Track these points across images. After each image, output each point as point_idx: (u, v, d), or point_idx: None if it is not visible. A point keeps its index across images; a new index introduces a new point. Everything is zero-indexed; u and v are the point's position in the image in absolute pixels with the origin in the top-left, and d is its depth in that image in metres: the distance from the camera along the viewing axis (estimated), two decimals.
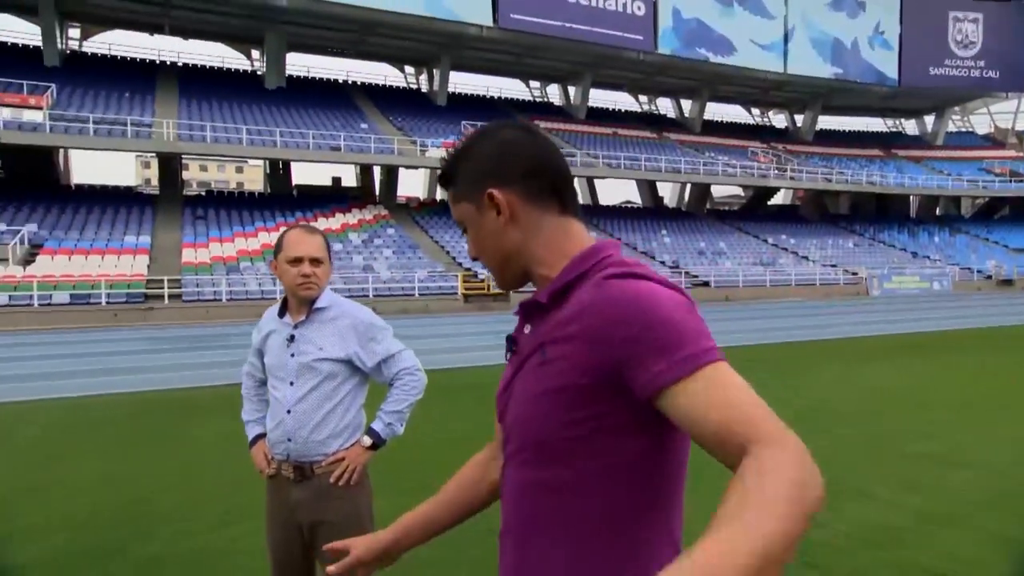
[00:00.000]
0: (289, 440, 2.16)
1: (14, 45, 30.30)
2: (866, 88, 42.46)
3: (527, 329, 1.04)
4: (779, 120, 49.71)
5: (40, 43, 28.20)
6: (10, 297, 17.94)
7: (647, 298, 0.86)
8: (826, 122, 48.30)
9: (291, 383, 2.17)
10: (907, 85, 42.57)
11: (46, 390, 8.70)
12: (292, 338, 2.18)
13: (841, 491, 4.52)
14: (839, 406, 7.24)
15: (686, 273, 27.63)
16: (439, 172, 1.11)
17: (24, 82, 23.88)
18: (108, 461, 5.49)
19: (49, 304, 18.13)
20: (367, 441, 2.21)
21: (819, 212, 42.66)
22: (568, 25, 33.23)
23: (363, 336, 2.20)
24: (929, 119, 49.26)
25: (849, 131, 50.07)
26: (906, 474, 4.86)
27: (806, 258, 33.04)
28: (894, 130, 51.36)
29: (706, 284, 27.28)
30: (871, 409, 7.06)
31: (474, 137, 1.08)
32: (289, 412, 2.15)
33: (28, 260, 19.97)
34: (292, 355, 2.17)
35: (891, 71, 42.40)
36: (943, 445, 5.62)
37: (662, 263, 28.94)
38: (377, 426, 2.24)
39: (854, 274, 30.96)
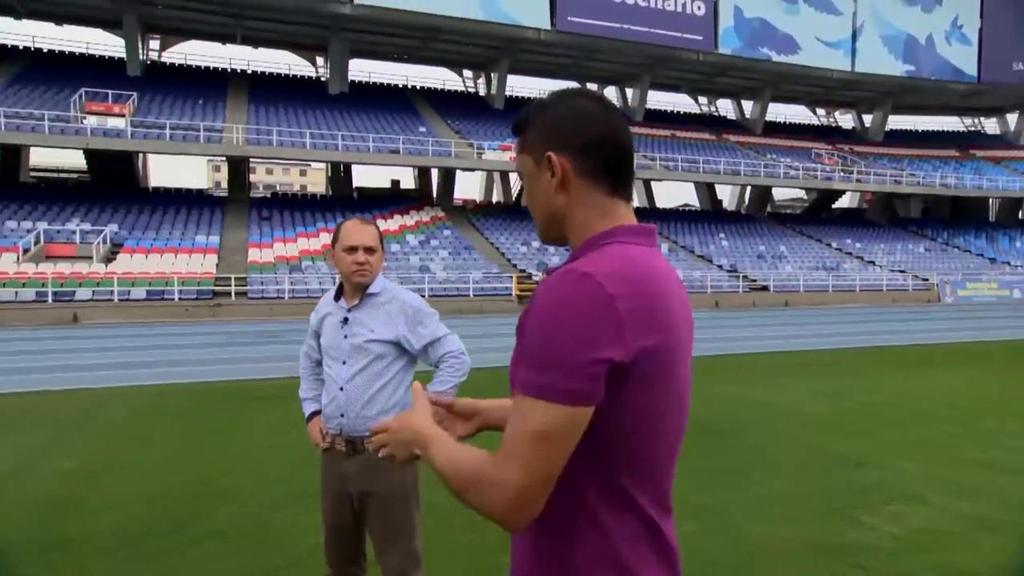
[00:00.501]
0: (342, 415, 2.34)
1: (101, 57, 32.32)
2: (941, 86, 40.54)
3: None
4: (846, 120, 47.99)
5: (124, 55, 29.96)
6: (93, 292, 19.17)
7: (553, 312, 0.96)
8: (897, 122, 46.33)
9: (344, 362, 2.35)
10: (987, 81, 40.42)
11: (124, 378, 9.31)
12: (346, 320, 2.37)
13: (891, 496, 4.44)
14: (894, 412, 7.03)
15: (744, 277, 27.04)
16: (514, 120, 1.18)
17: (109, 91, 25.44)
18: (178, 444, 5.87)
19: (128, 299, 19.28)
20: None
21: (887, 216, 40.95)
22: (626, 27, 33.05)
23: (411, 320, 2.36)
24: (1012, 117, 46.59)
25: (922, 131, 47.88)
26: (959, 480, 4.72)
27: (872, 263, 31.81)
28: (972, 129, 48.80)
29: (765, 288, 26.63)
30: (929, 415, 6.84)
31: (553, 97, 1.13)
32: (342, 389, 2.34)
33: (110, 258, 21.27)
34: (345, 336, 2.35)
35: (970, 67, 40.34)
36: (1000, 453, 5.42)
37: (719, 267, 28.40)
38: None
39: (924, 280, 29.62)
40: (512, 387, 1.06)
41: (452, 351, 2.41)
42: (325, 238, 24.59)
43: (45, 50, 31.51)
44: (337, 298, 2.44)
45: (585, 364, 0.94)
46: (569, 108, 1.10)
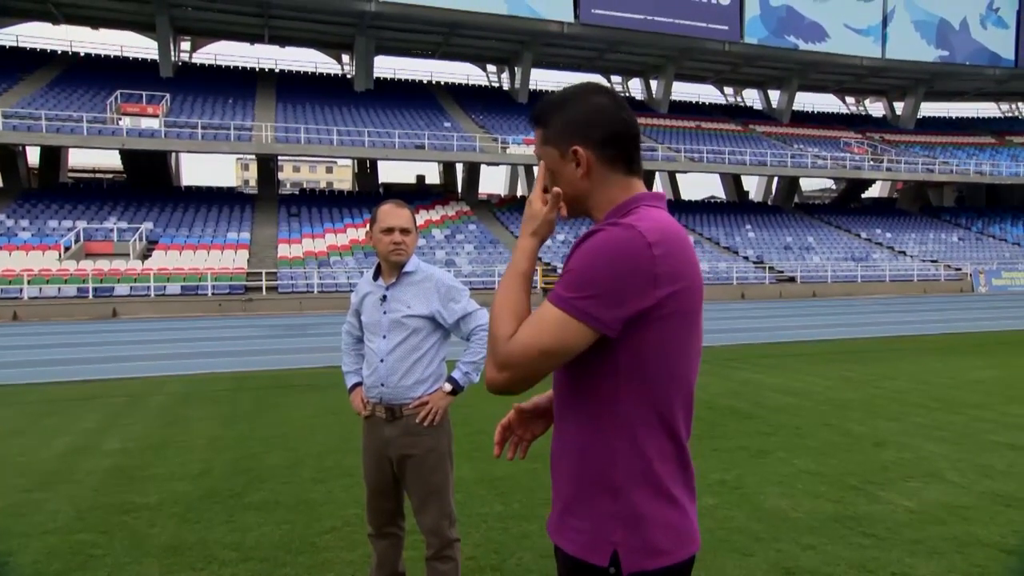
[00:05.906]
0: (382, 385, 2.54)
1: (134, 59, 33.16)
2: (977, 71, 39.58)
3: None
4: (876, 109, 47.12)
5: (156, 56, 30.71)
6: (131, 288, 19.79)
7: (595, 251, 1.16)
8: (930, 109, 45.34)
9: (383, 336, 2.55)
10: None
11: (163, 368, 9.69)
12: (384, 298, 2.57)
13: (911, 473, 4.52)
14: (921, 397, 7.05)
15: (770, 268, 26.83)
16: (533, 113, 1.33)
17: (143, 92, 26.12)
18: (219, 428, 6.16)
19: (163, 294, 19.86)
20: (448, 387, 2.57)
21: (919, 205, 40.18)
22: (650, 18, 32.88)
23: (444, 296, 2.55)
24: None
25: (956, 118, 46.79)
26: (983, 461, 4.77)
27: (903, 253, 31.30)
28: (1010, 115, 47.56)
29: (792, 280, 26.40)
30: (957, 401, 6.84)
31: (569, 93, 1.28)
32: (382, 361, 2.54)
33: (146, 255, 21.92)
34: (384, 312, 2.55)
35: (1006, 51, 39.31)
36: None
37: (745, 258, 28.21)
38: (456, 375, 2.59)
39: (957, 270, 29.06)
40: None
41: (482, 324, 2.59)
42: (352, 233, 25.00)
43: (82, 54, 32.44)
44: (375, 277, 2.64)
45: (615, 296, 1.12)
46: (588, 105, 1.26)
